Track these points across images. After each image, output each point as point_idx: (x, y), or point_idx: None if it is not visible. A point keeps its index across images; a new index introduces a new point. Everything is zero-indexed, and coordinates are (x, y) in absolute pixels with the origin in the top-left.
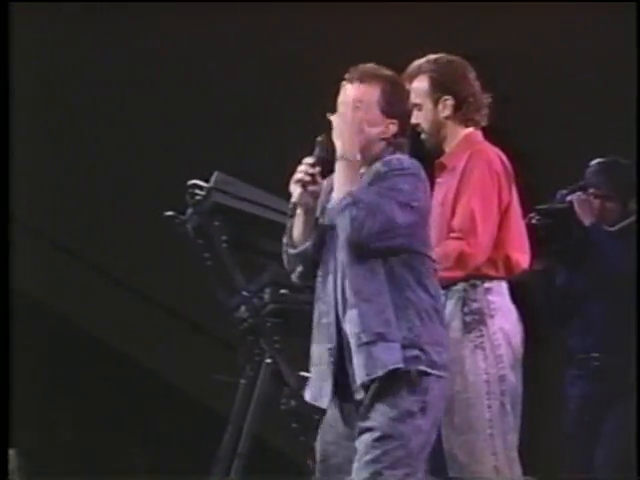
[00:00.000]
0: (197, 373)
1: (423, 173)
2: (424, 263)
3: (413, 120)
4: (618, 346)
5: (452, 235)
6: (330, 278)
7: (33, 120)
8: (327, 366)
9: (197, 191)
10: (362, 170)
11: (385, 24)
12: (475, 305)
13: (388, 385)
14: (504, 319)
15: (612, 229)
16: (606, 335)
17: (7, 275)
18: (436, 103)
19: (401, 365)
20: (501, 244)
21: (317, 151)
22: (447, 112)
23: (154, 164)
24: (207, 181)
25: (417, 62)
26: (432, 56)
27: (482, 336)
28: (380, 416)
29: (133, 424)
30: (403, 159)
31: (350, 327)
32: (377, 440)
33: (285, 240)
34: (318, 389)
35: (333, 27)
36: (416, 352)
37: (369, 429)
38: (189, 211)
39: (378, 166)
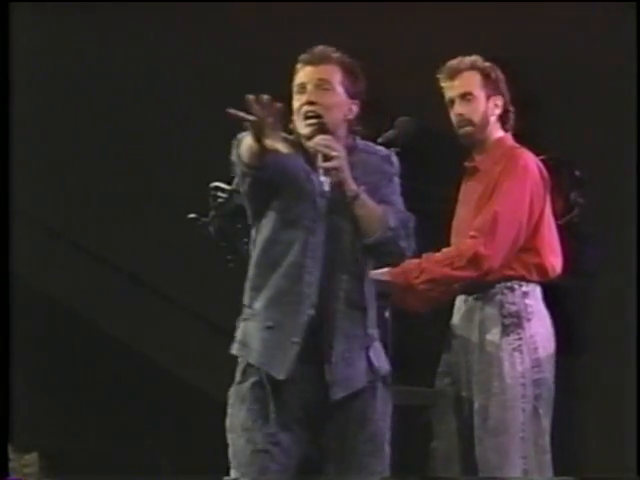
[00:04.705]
0: (218, 374)
1: None
2: None
3: (459, 110)
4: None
5: (470, 234)
6: (319, 247)
7: (34, 117)
8: (297, 337)
9: (219, 193)
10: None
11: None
12: (513, 308)
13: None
14: (539, 323)
15: (558, 222)
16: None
17: (7, 274)
18: (488, 99)
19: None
20: (535, 250)
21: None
22: (497, 111)
23: (176, 166)
24: (229, 183)
25: (466, 58)
26: (477, 57)
27: (520, 339)
28: None
29: (154, 425)
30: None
31: (354, 329)
32: None
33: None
34: (271, 356)
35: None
36: None
37: None
38: (211, 213)
39: (384, 165)
